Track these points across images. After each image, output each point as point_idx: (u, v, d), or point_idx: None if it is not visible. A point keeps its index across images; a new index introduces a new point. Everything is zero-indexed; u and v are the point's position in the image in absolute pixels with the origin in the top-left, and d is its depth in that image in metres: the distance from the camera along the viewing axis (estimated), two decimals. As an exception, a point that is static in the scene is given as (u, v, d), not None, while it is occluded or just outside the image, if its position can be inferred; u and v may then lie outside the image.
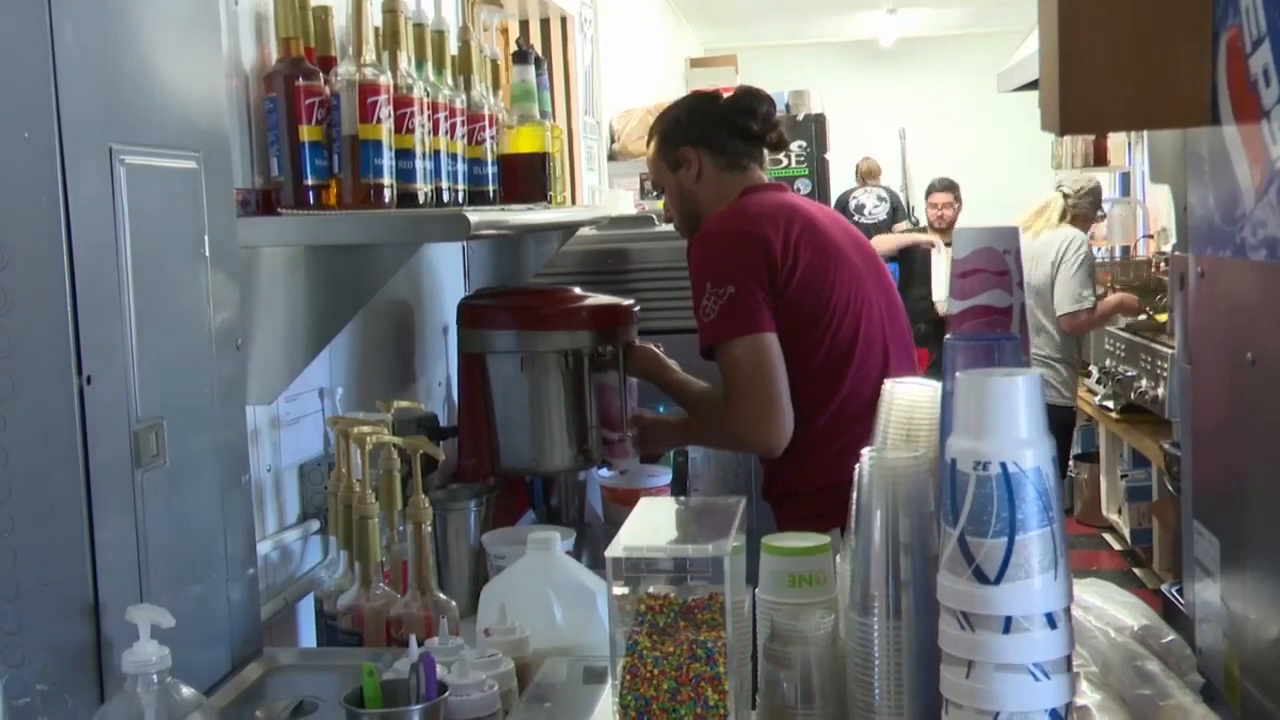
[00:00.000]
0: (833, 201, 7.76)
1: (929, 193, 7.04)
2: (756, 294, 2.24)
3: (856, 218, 7.92)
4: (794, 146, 6.57)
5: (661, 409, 2.80)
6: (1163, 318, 5.17)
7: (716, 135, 2.43)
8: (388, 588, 1.81)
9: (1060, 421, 4.83)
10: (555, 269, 3.03)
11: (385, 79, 1.83)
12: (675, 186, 2.48)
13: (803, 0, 8.91)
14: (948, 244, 6.25)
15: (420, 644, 1.45)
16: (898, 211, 8.15)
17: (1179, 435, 1.55)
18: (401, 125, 1.87)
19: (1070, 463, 6.08)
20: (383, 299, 2.39)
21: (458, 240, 2.66)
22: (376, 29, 1.93)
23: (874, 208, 8.05)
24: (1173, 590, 1.56)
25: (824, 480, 2.25)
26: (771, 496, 2.43)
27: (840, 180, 7.86)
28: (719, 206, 2.40)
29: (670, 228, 3.13)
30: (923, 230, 7.14)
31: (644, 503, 1.45)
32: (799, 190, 6.44)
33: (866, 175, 8.61)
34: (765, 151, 2.48)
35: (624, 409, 2.45)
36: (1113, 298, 5.18)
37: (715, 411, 2.31)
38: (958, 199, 6.95)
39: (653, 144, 2.52)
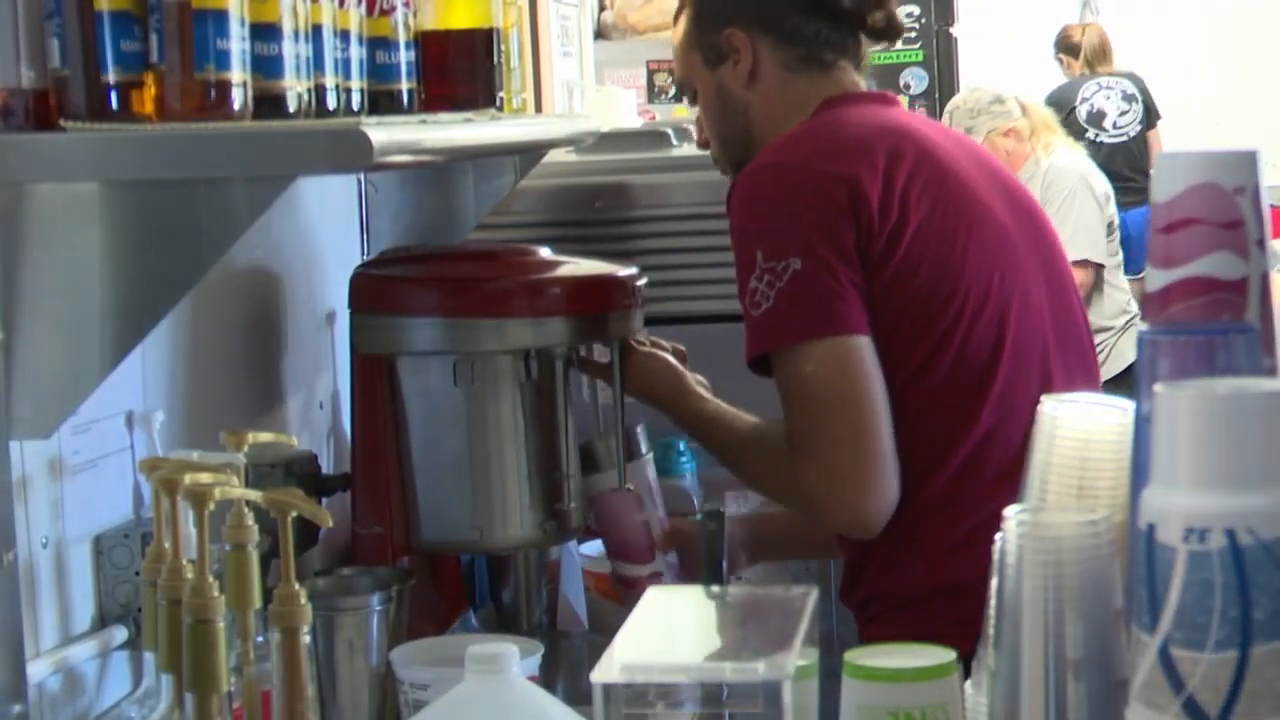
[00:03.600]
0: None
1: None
2: (838, 271, 2.25)
3: (1092, 134, 7.62)
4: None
5: (683, 449, 2.82)
6: None
7: (784, 11, 2.45)
8: (239, 736, 1.84)
9: None
10: (510, 217, 3.06)
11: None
12: (714, 92, 2.50)
13: None
14: None
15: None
16: (1151, 115, 7.93)
17: None
18: (260, -16, 1.89)
19: None
20: (229, 269, 2.41)
21: (351, 171, 2.70)
22: None
23: (1120, 115, 7.75)
24: None
25: (942, 579, 2.27)
26: (855, 601, 2.45)
27: (977, 71, 7.86)
28: (785, 126, 2.42)
29: (702, 153, 3.16)
30: None
31: (654, 595, 1.48)
32: (907, 89, 6.46)
33: (1096, 58, 8.26)
34: (863, 41, 2.50)
35: (650, 518, 2.48)
36: None
37: (774, 465, 2.34)
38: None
39: (683, 20, 2.54)
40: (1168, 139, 7.53)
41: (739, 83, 2.46)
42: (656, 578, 2.48)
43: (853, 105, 2.43)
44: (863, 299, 2.26)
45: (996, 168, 2.52)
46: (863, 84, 2.50)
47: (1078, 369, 2.42)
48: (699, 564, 2.55)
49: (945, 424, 2.31)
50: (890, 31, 2.50)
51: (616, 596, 2.56)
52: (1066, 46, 8.28)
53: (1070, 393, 2.28)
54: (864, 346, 2.25)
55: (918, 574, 2.31)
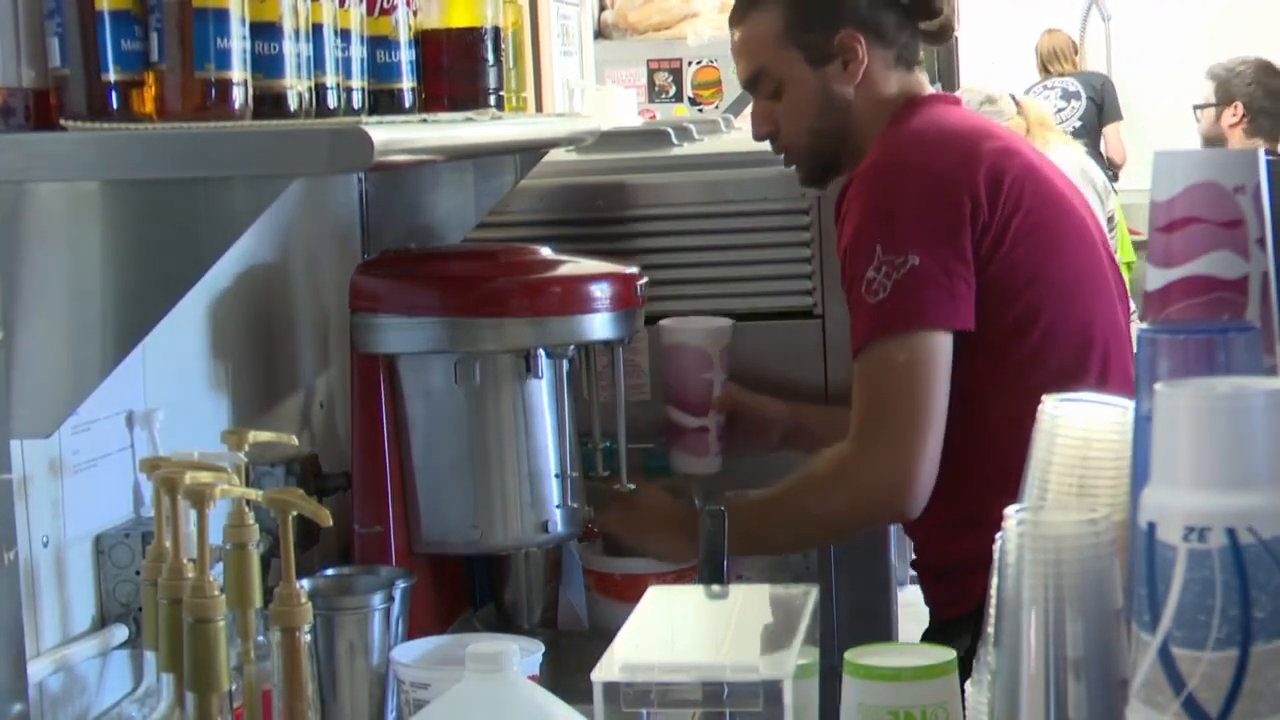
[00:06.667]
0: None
1: None
2: (953, 269, 2.40)
3: None
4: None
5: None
6: None
7: (887, 13, 2.56)
8: (239, 735, 1.84)
9: None
10: (510, 217, 3.06)
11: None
12: (816, 89, 2.58)
13: None
14: None
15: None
16: (1104, 112, 8.17)
17: None
18: (260, -17, 1.89)
19: None
20: (230, 269, 2.42)
21: (351, 170, 2.69)
22: None
23: (1056, 112, 8.07)
24: None
25: None
26: (948, 559, 2.54)
27: (976, 72, 7.90)
28: (876, 122, 2.55)
29: (703, 152, 3.16)
30: None
31: (655, 594, 1.48)
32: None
33: (1050, 60, 8.63)
34: (919, 43, 2.63)
35: (715, 378, 2.64)
36: None
37: (829, 473, 2.47)
38: None
39: (766, 17, 2.59)
40: (1172, 140, 7.57)
41: (847, 82, 2.56)
42: (703, 432, 2.66)
43: (938, 105, 2.58)
44: (972, 296, 2.41)
45: (1066, 177, 2.67)
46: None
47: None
48: (740, 433, 2.72)
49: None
50: (945, 31, 2.64)
51: (617, 595, 2.56)
52: (1036, 53, 8.65)
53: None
54: (950, 344, 2.40)
55: None
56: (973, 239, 2.42)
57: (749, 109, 5.34)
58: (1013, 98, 6.14)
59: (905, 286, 2.38)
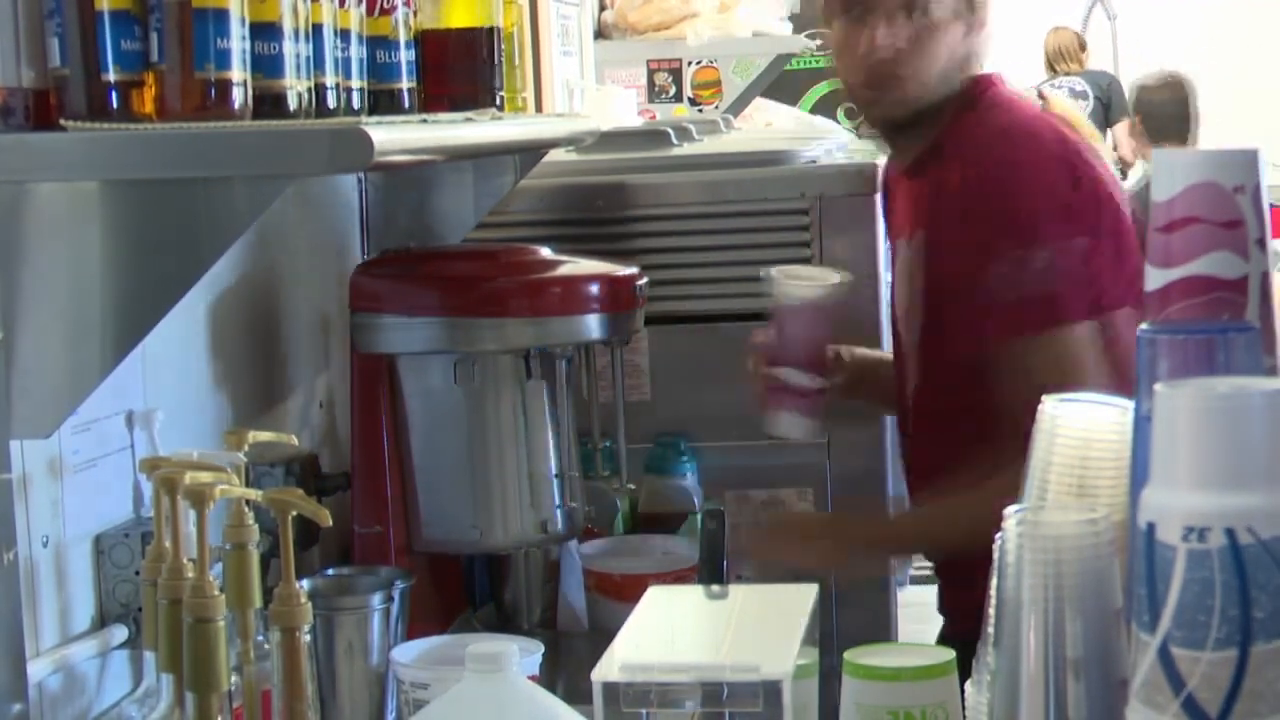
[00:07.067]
0: None
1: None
2: (1124, 256, 2.39)
3: None
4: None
5: (683, 448, 2.82)
6: None
7: None
8: (239, 735, 1.84)
9: None
10: (510, 217, 3.06)
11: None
12: (951, 41, 2.56)
13: None
14: None
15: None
16: (1111, 111, 8.17)
17: None
18: (260, -17, 1.89)
19: None
20: (230, 269, 2.42)
21: (351, 171, 2.70)
22: None
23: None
24: None
25: None
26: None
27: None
28: (935, 98, 2.52)
29: (703, 152, 3.16)
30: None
31: (655, 594, 1.49)
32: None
33: (1057, 59, 8.62)
34: None
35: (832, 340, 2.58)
36: None
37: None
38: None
39: None
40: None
41: (959, 43, 2.55)
42: (821, 394, 2.57)
43: (1003, 86, 2.63)
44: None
45: None
46: None
47: None
48: (843, 389, 2.65)
49: None
50: None
51: (616, 595, 2.57)
52: (1044, 52, 8.67)
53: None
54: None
55: None
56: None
57: (749, 109, 5.32)
58: (1040, 94, 6.16)
59: (1078, 270, 2.37)
